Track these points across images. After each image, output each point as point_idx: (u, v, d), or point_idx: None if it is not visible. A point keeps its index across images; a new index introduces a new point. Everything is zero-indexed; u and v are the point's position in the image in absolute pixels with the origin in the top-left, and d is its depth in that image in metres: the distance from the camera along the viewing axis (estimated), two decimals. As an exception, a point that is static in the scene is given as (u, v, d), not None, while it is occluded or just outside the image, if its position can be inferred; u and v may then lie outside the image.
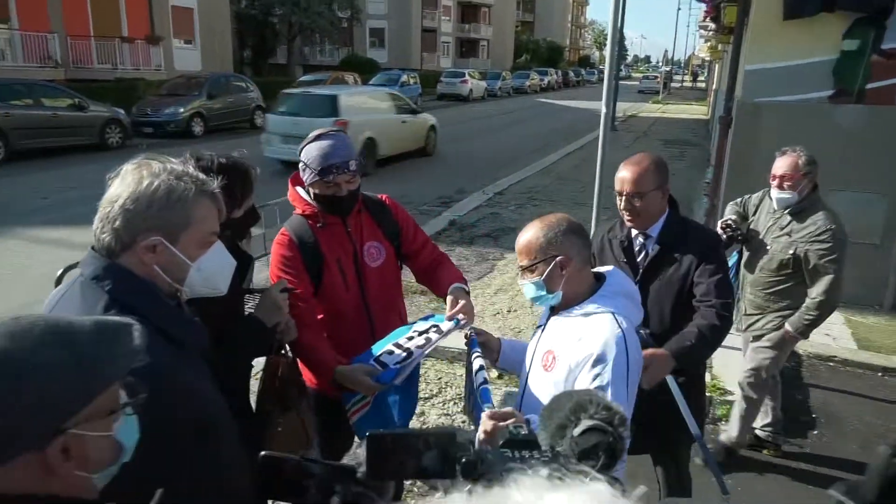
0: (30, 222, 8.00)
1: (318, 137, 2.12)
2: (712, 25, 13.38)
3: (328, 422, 2.24)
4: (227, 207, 1.51)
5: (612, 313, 1.63)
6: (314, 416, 2.10)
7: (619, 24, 4.25)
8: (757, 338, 3.33)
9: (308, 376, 2.19)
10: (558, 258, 1.66)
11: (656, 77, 51.67)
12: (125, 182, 1.26)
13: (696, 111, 29.35)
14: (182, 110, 15.89)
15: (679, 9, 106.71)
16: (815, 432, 3.73)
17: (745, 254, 3.44)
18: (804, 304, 3.10)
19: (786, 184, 3.12)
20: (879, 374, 4.45)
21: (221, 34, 24.93)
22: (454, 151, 14.49)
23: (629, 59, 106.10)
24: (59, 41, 18.79)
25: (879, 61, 5.38)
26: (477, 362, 1.86)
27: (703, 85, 52.88)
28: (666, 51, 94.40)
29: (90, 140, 13.41)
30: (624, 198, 2.32)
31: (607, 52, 4.46)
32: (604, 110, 4.55)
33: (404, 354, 2.01)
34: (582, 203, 9.61)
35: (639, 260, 2.39)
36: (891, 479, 0.75)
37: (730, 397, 3.93)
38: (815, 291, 3.06)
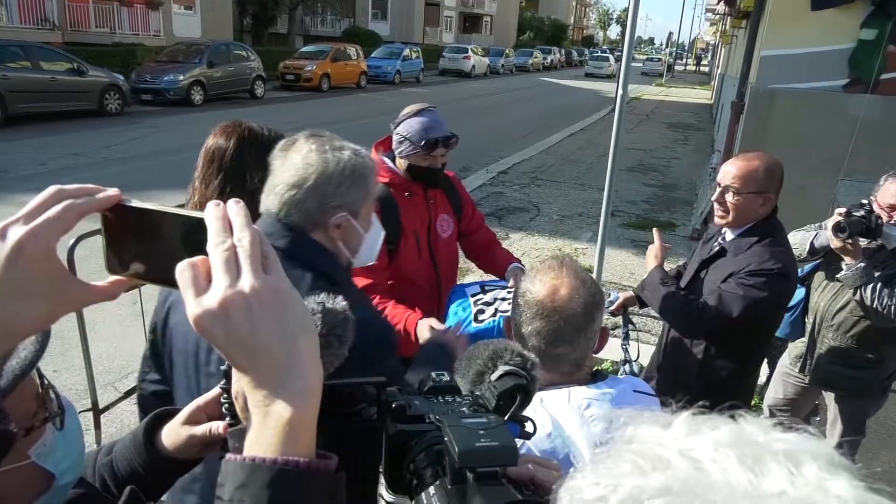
0: (27, 188, 7.91)
1: (417, 113, 2.24)
2: (722, 9, 13.21)
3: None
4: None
5: None
6: None
7: (637, 7, 4.17)
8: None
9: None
10: None
11: (660, 59, 51.21)
12: (307, 161, 1.30)
13: (700, 95, 29.16)
14: (182, 78, 15.65)
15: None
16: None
17: (824, 284, 2.74)
18: None
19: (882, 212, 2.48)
20: None
21: (222, 1, 24.51)
22: (457, 128, 14.29)
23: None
24: (55, 2, 18.43)
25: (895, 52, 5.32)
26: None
27: (707, 69, 52.51)
28: (671, 33, 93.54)
29: (89, 105, 13.18)
30: (720, 189, 2.21)
31: (627, 33, 4.38)
32: (620, 92, 4.47)
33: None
34: (585, 184, 9.57)
35: (705, 256, 2.35)
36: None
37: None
38: None
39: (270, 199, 1.31)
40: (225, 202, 1.23)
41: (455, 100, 18.81)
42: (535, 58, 43.00)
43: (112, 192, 0.58)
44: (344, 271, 1.36)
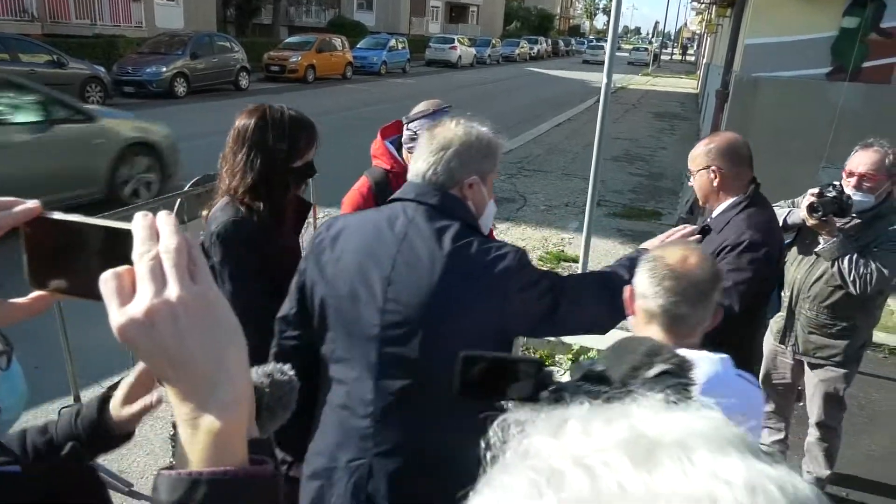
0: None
1: (427, 113, 2.36)
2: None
3: None
4: (290, 158, 1.97)
5: None
6: None
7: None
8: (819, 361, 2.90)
9: None
10: None
11: (646, 49, 51.26)
12: (455, 132, 1.57)
13: (686, 85, 29.24)
14: (164, 70, 15.46)
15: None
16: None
17: (799, 259, 2.88)
18: None
19: (865, 184, 2.63)
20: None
21: (205, -9, 24.21)
22: (443, 119, 14.27)
23: (619, 29, 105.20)
24: (35, -7, 18.12)
25: (877, 40, 5.35)
26: None
27: (693, 59, 52.65)
28: (657, 22, 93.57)
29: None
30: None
31: (610, 22, 4.37)
32: (605, 80, 4.47)
33: None
34: (571, 174, 9.58)
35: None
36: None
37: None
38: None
39: (420, 165, 1.57)
40: (251, 171, 1.62)
41: (442, 90, 18.76)
42: (522, 48, 42.89)
43: (31, 204, 0.57)
44: (477, 229, 1.57)
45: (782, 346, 2.98)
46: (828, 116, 5.30)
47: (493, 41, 39.42)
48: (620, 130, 13.76)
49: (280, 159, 1.97)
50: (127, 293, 0.52)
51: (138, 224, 0.54)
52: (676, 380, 0.88)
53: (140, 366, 0.95)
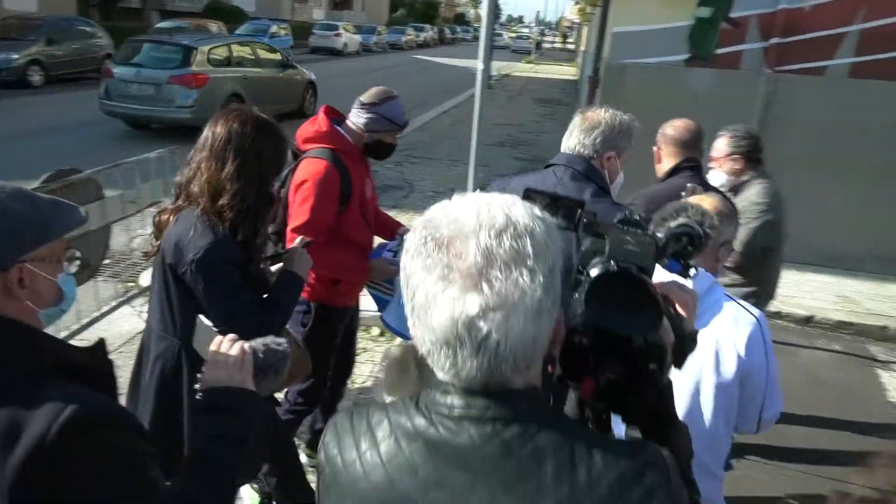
0: None
1: (392, 97, 2.67)
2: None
3: (340, 335, 2.83)
4: (279, 168, 2.02)
5: None
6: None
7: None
8: None
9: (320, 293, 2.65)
10: None
11: (528, 37, 52.75)
12: (602, 116, 2.10)
13: (567, 72, 30.40)
14: (16, 56, 14.06)
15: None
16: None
17: None
18: None
19: (711, 164, 3.10)
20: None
21: (61, -29, 22.19)
22: (329, 108, 14.01)
23: (503, 18, 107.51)
24: None
25: (728, 28, 5.81)
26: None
27: (573, 46, 54.77)
28: (538, 12, 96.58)
29: None
30: None
31: (483, 9, 4.44)
32: (480, 66, 4.54)
33: None
34: (458, 160, 9.70)
35: None
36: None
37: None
38: None
39: (571, 141, 2.12)
40: (242, 181, 1.81)
41: (327, 78, 18.30)
42: (409, 35, 42.79)
43: None
44: (608, 192, 2.09)
45: None
46: (687, 100, 5.69)
47: (379, 28, 39.04)
48: (505, 116, 14.09)
49: (272, 172, 1.93)
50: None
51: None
52: (692, 230, 1.06)
53: None
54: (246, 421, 1.21)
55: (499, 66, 27.47)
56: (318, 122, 2.63)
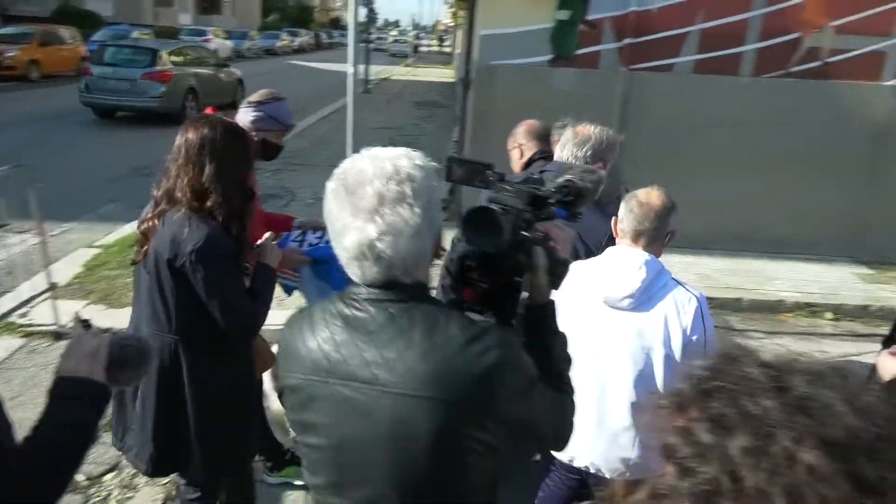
0: None
1: (279, 98, 2.76)
2: (451, -9, 14.04)
3: None
4: (249, 167, 2.14)
5: None
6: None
7: (357, -16, 4.22)
8: None
9: None
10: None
11: (406, 41, 53.13)
12: (591, 132, 2.46)
13: (444, 74, 30.88)
14: None
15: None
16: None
17: None
18: None
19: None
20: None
21: None
22: (201, 116, 13.41)
23: (380, 22, 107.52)
24: None
25: (586, 30, 6.15)
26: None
27: (450, 49, 55.75)
28: (414, 16, 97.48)
29: None
30: None
31: (349, 12, 4.42)
32: (350, 70, 4.52)
33: (320, 233, 2.81)
34: (337, 166, 9.57)
35: None
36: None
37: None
38: None
39: (565, 153, 2.48)
40: (223, 181, 1.99)
41: (197, 86, 17.55)
42: (283, 41, 41.75)
43: None
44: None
45: None
46: (554, 98, 5.97)
47: (252, 33, 37.87)
48: (384, 120, 14.09)
49: (246, 169, 2.10)
50: None
51: None
52: (570, 182, 1.37)
53: None
54: (88, 409, 1.29)
55: (377, 71, 27.44)
56: None
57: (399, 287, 1.16)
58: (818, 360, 0.58)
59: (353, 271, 1.18)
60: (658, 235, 2.09)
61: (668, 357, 1.96)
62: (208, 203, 1.96)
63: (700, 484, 0.50)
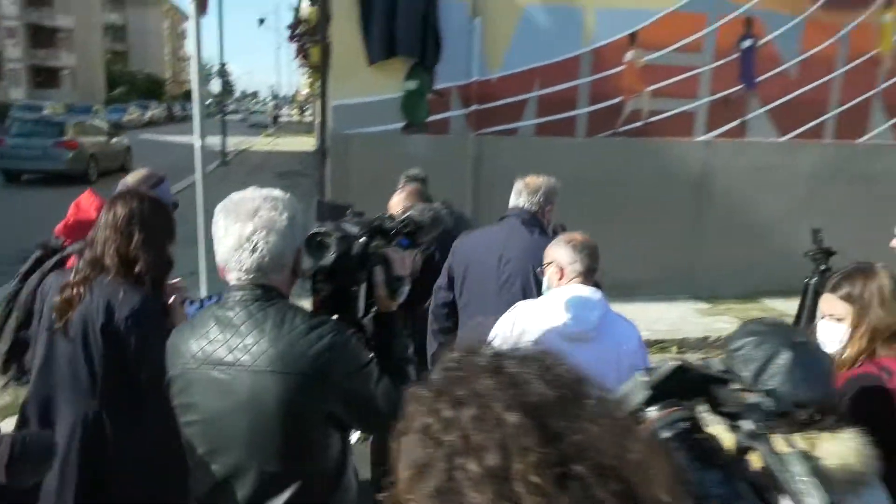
0: None
1: (161, 179, 2.94)
2: (305, 63, 14.28)
3: None
4: (172, 235, 2.28)
5: None
6: None
7: (200, 55, 4.19)
8: None
9: None
10: None
11: (265, 112, 52.79)
12: (540, 181, 2.97)
13: (306, 143, 30.85)
14: None
15: (279, 48, 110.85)
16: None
17: None
18: None
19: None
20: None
21: None
22: (47, 205, 12.37)
23: (237, 94, 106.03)
24: None
25: (435, 98, 6.47)
26: None
27: (311, 118, 56.09)
28: (272, 86, 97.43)
29: None
30: None
31: (192, 82, 4.36)
32: (197, 143, 4.42)
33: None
34: (194, 241, 9.17)
35: None
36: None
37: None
38: None
39: (521, 199, 2.94)
40: (151, 249, 2.16)
41: (33, 164, 16.24)
42: (132, 114, 39.80)
43: None
44: (548, 234, 2.88)
45: None
46: (407, 164, 6.15)
47: (96, 107, 35.80)
48: (245, 191, 13.75)
49: (169, 239, 2.22)
50: None
51: None
52: (410, 221, 1.72)
53: None
54: None
55: (236, 142, 26.91)
56: (82, 209, 2.71)
57: (261, 288, 1.50)
58: (529, 348, 0.78)
59: (233, 266, 1.49)
60: (595, 272, 2.42)
61: (620, 381, 2.15)
62: (136, 269, 2.07)
63: (446, 448, 0.66)
